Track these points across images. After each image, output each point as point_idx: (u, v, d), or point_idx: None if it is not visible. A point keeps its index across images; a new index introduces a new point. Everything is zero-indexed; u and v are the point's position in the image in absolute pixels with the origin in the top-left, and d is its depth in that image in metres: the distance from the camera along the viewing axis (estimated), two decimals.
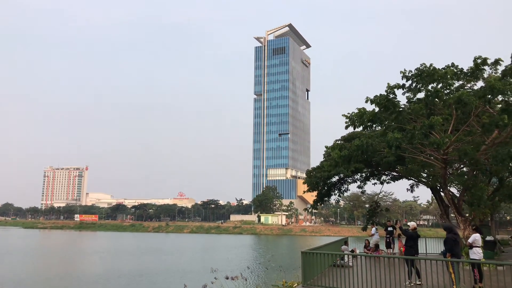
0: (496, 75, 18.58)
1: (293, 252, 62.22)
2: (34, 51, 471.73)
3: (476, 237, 12.52)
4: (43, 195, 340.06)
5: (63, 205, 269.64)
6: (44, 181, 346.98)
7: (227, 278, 15.53)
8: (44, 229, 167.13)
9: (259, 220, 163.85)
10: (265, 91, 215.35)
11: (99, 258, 58.28)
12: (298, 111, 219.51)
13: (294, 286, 16.01)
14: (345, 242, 21.69)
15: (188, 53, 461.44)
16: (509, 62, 17.93)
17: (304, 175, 34.60)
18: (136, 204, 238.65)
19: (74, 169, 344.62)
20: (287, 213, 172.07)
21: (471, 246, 12.41)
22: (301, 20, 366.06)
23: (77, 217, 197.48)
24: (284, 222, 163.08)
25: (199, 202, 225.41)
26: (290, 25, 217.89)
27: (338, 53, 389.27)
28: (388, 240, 21.38)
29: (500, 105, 19.11)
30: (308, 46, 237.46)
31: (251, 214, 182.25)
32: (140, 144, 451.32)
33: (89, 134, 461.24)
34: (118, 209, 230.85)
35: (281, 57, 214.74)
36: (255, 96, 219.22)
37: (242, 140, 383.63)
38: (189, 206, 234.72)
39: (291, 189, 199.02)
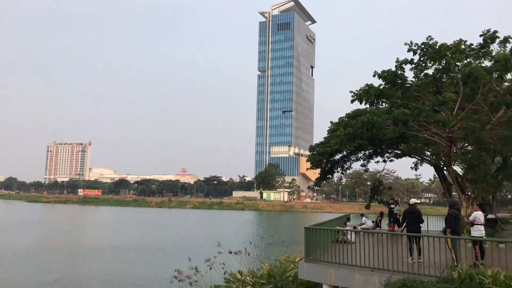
0: (505, 52, 18.26)
1: (295, 228, 62.90)
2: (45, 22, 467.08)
3: (477, 215, 12.52)
4: (46, 170, 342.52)
5: (66, 179, 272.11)
6: (47, 156, 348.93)
7: (230, 252, 15.71)
8: (48, 203, 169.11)
9: (261, 196, 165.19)
10: (269, 68, 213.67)
11: (105, 231, 59.17)
12: (302, 88, 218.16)
13: (296, 260, 16.21)
14: (348, 218, 21.83)
15: (194, 29, 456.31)
16: None
17: (307, 153, 34.61)
18: (139, 179, 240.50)
19: (77, 144, 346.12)
20: (289, 190, 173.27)
21: (472, 224, 12.45)
22: None
23: (80, 192, 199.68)
24: (286, 199, 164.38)
25: (201, 179, 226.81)
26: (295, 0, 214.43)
27: (345, 29, 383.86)
28: (398, 218, 21.37)
29: (507, 83, 18.89)
30: (313, 21, 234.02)
31: (254, 190, 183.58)
32: (145, 119, 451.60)
33: (92, 110, 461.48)
34: (121, 185, 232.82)
35: (285, 33, 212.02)
36: (259, 73, 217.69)
37: (245, 117, 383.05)
38: (192, 182, 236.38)
39: (294, 166, 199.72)
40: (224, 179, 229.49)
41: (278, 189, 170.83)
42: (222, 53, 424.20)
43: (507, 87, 17.79)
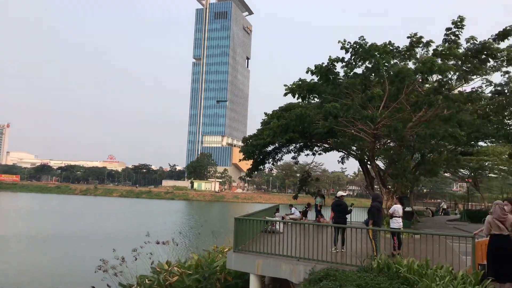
0: (427, 56, 19.51)
1: (225, 218, 63.17)
2: None
3: (396, 208, 13.35)
4: None
5: None
6: None
7: (158, 242, 15.44)
8: None
9: (192, 186, 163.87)
10: (205, 56, 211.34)
11: (21, 219, 55.39)
12: (237, 78, 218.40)
13: (225, 250, 16.28)
14: (277, 209, 22.29)
15: (126, 12, 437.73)
16: (440, 43, 18.86)
17: (240, 143, 34.80)
18: (63, 165, 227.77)
19: None
20: (221, 180, 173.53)
21: (392, 216, 13.25)
22: None
23: None
24: (217, 189, 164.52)
25: (130, 166, 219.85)
26: None
27: (282, 23, 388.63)
28: (319, 209, 22.16)
29: (427, 85, 20.22)
30: (250, 12, 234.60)
31: (184, 180, 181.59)
32: (71, 103, 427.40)
33: (14, 91, 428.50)
34: (42, 170, 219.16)
35: (222, 22, 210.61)
36: (194, 60, 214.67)
37: (178, 105, 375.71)
38: (120, 170, 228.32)
39: (226, 157, 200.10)
40: (154, 167, 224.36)
41: (209, 179, 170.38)
42: (154, 38, 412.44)
43: (428, 88, 19.07)
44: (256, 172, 30.19)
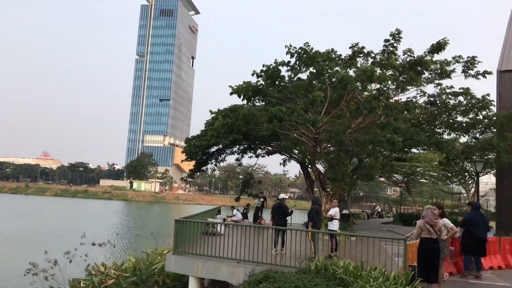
0: (367, 65, 20.38)
1: (166, 220, 61.97)
2: None
3: (336, 210, 13.79)
4: None
5: None
6: None
7: (93, 244, 14.83)
8: None
9: (131, 186, 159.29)
10: (149, 53, 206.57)
11: None
12: (182, 77, 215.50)
13: (164, 253, 15.97)
14: (219, 211, 22.21)
15: (67, 5, 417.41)
16: (380, 55, 19.76)
17: (183, 144, 34.35)
18: None
19: None
20: (161, 181, 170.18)
21: (331, 218, 13.65)
22: None
23: None
24: (157, 189, 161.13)
25: (66, 164, 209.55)
26: None
27: (229, 23, 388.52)
28: (259, 212, 22.29)
29: (366, 93, 21.11)
30: (197, 12, 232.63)
31: (123, 180, 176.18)
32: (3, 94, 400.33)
33: None
34: None
35: (168, 20, 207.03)
36: (137, 57, 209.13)
37: (119, 102, 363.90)
38: (54, 167, 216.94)
39: (168, 157, 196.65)
40: (92, 166, 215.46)
41: (150, 179, 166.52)
42: (97, 32, 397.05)
43: (367, 96, 19.89)
44: (198, 173, 29.91)
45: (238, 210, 23.22)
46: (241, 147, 28.03)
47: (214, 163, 28.80)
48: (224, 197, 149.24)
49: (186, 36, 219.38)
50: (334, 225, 13.45)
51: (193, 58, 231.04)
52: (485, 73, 20.96)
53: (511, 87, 22.89)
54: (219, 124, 21.22)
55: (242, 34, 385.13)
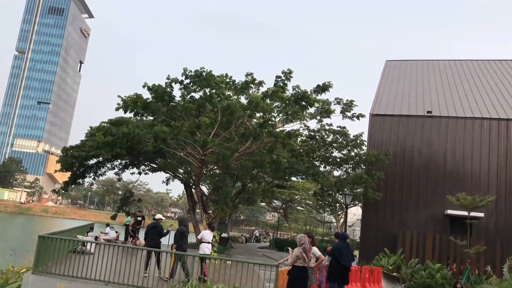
0: (258, 94, 21.20)
1: (30, 234, 55.95)
2: None
3: (204, 234, 13.62)
4: None
5: None
6: None
7: None
8: None
9: None
10: (31, 51, 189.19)
11: None
12: (66, 81, 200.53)
13: (21, 271, 14.36)
14: (91, 228, 20.82)
15: None
16: (272, 85, 20.71)
17: (59, 152, 31.73)
18: None
19: None
20: (29, 190, 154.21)
21: (200, 241, 13.51)
22: None
23: None
24: (23, 200, 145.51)
25: None
26: None
27: (125, 32, 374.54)
28: (134, 230, 21.32)
29: (255, 120, 21.88)
30: (91, 16, 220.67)
31: None
32: None
33: None
34: None
35: (57, 18, 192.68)
36: (17, 53, 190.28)
37: None
38: None
39: (40, 165, 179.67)
40: None
41: (15, 188, 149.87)
42: None
43: (255, 123, 20.60)
44: (73, 186, 27.76)
45: (113, 228, 21.97)
46: (123, 162, 26.82)
47: (93, 176, 27.08)
48: (100, 212, 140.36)
49: (76, 38, 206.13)
50: (203, 249, 13.25)
51: (81, 62, 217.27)
52: (359, 116, 23.51)
53: (381, 129, 25.53)
54: (99, 139, 20.17)
55: (138, 44, 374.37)
